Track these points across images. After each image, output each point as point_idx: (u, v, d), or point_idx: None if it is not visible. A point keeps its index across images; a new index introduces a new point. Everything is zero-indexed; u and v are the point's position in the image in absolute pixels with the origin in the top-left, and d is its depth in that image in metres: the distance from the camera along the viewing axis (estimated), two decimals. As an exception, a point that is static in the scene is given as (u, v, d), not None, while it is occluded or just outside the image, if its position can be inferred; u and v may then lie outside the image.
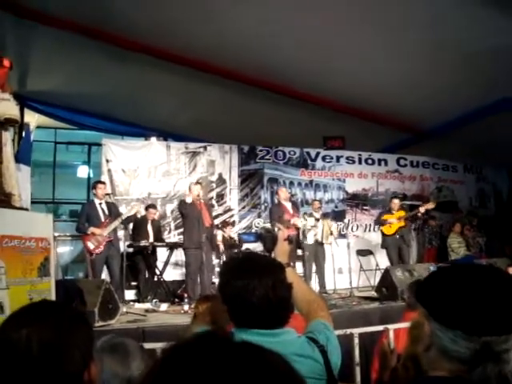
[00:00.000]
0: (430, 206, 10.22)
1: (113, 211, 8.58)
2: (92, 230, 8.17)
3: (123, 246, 8.85)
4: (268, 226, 10.48)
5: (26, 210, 4.60)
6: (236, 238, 10.52)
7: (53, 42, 9.70)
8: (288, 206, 9.58)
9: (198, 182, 9.28)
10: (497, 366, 1.12)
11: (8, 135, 4.58)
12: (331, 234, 10.00)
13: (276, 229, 2.35)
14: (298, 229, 9.22)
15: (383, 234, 10.23)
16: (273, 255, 2.39)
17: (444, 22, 7.90)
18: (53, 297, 3.97)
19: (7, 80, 4.81)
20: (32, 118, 12.04)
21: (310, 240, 9.76)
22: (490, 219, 13.89)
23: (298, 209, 9.82)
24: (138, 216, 9.20)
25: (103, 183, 9.06)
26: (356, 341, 3.57)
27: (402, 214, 10.03)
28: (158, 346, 3.50)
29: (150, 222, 9.70)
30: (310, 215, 10.06)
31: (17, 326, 1.33)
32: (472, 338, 1.13)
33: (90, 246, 8.13)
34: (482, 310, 1.14)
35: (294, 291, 1.97)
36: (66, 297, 5.62)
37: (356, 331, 3.62)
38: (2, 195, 4.25)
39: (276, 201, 10.27)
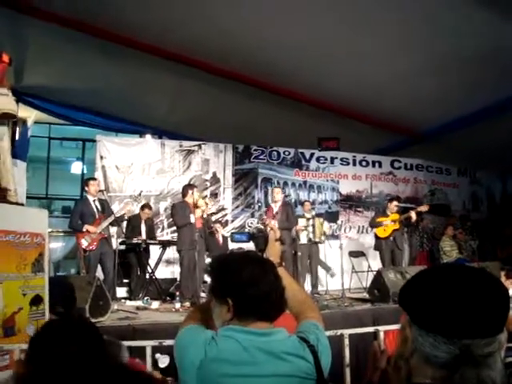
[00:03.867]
0: (424, 208, 10.23)
1: (106, 208, 8.58)
2: (87, 227, 8.16)
3: (115, 243, 8.85)
4: (260, 226, 10.49)
5: (22, 205, 4.60)
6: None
7: (49, 38, 9.67)
8: (274, 207, 9.57)
9: (194, 185, 9.22)
10: (475, 371, 1.10)
11: (5, 130, 4.58)
12: (324, 234, 10.02)
13: (268, 229, 2.38)
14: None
15: (377, 237, 10.24)
16: (265, 255, 2.42)
17: (439, 25, 7.93)
18: (46, 293, 3.97)
19: (5, 75, 4.81)
20: (29, 114, 12.02)
21: (303, 240, 9.80)
22: (482, 223, 13.95)
23: (287, 211, 9.63)
24: (126, 217, 9.19)
25: (95, 180, 9.06)
26: (346, 342, 3.58)
27: (396, 216, 10.02)
28: (149, 343, 3.51)
29: (143, 221, 9.71)
30: (302, 216, 10.08)
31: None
32: (452, 341, 1.11)
33: (84, 243, 8.11)
34: (462, 311, 1.11)
35: (286, 291, 2.00)
36: (57, 293, 5.61)
37: (347, 332, 3.64)
38: (-2, 190, 4.25)
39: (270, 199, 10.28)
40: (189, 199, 8.48)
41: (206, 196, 10.73)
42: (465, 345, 1.11)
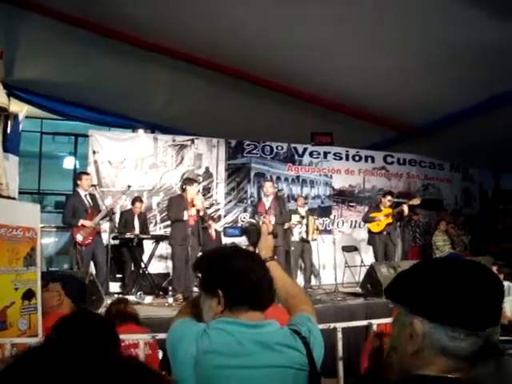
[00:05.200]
0: (416, 201, 10.26)
1: (96, 202, 8.57)
2: (82, 222, 8.14)
3: (108, 238, 8.84)
4: (253, 220, 10.48)
5: (14, 199, 4.58)
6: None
7: (41, 31, 9.64)
8: (266, 201, 9.55)
9: (193, 180, 9.16)
10: (499, 358, 1.13)
11: (-4, 124, 4.56)
12: (317, 229, 10.03)
13: (260, 222, 2.38)
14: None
15: (370, 232, 10.26)
16: (257, 249, 2.43)
17: (433, 20, 7.94)
18: (38, 287, 3.96)
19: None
20: (21, 108, 11.97)
21: (295, 237, 9.81)
22: (475, 218, 14.00)
23: (280, 205, 9.61)
24: (114, 211, 9.11)
25: (88, 174, 9.04)
26: (339, 335, 3.58)
27: (389, 210, 10.04)
28: (142, 337, 3.51)
29: (136, 215, 9.69)
30: (295, 212, 10.08)
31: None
32: (475, 332, 1.12)
33: (79, 238, 8.09)
34: (478, 303, 1.13)
35: (278, 284, 2.01)
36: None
37: (339, 325, 3.64)
38: (-10, 184, 4.24)
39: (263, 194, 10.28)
40: (185, 194, 8.45)
41: (199, 191, 10.73)
42: (486, 334, 1.12)
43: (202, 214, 8.69)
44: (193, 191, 8.45)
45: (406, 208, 9.98)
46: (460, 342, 1.12)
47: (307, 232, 9.88)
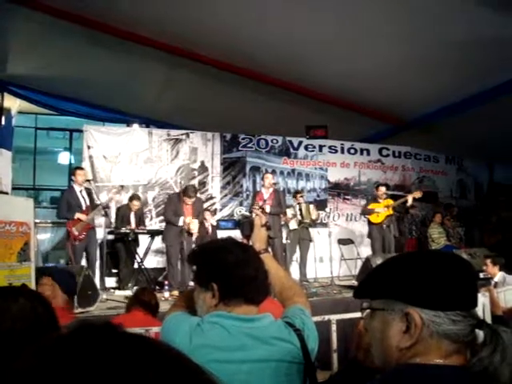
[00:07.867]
0: (417, 194, 10.26)
1: (92, 198, 8.56)
2: (78, 215, 8.14)
3: (103, 233, 8.82)
4: (246, 213, 10.49)
5: (7, 193, 4.56)
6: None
7: (34, 26, 9.59)
8: (265, 192, 9.55)
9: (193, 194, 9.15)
10: (496, 332, 1.15)
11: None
12: (312, 220, 10.01)
13: (253, 215, 2.38)
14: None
15: (370, 223, 10.25)
16: (250, 241, 2.42)
17: (427, 11, 7.92)
18: (33, 282, 3.94)
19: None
20: (13, 103, 11.92)
21: (292, 226, 9.78)
22: (470, 210, 14.03)
23: (279, 197, 9.67)
24: (110, 205, 9.10)
25: (82, 169, 9.02)
26: (334, 327, 3.58)
27: (390, 202, 10.05)
28: (136, 331, 3.50)
29: (133, 212, 9.64)
30: (289, 206, 10.08)
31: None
32: (469, 313, 1.17)
33: (75, 232, 8.09)
34: (468, 285, 1.20)
35: (272, 277, 2.00)
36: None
37: (334, 318, 3.63)
38: (-18, 179, 4.22)
39: (258, 188, 10.30)
40: (185, 200, 8.52)
41: (195, 184, 10.69)
42: (475, 313, 1.19)
43: (195, 237, 8.68)
44: (189, 202, 8.58)
45: (410, 199, 10.01)
46: (459, 324, 1.15)
47: (302, 216, 9.87)
